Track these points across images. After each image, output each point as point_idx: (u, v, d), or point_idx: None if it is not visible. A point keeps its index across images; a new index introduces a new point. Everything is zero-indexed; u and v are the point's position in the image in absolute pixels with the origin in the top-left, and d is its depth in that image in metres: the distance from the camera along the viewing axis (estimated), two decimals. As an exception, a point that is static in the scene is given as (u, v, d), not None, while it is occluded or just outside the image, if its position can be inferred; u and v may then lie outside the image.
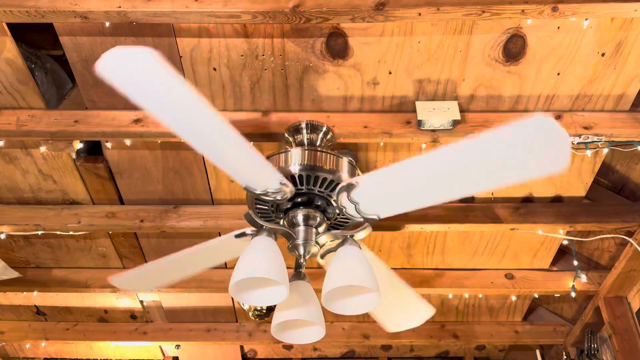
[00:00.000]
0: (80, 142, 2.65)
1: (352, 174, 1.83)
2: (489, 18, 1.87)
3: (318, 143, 2.16)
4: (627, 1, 1.80)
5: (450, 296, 3.71)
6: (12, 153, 2.66)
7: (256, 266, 1.55)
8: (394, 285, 2.04)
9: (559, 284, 3.28)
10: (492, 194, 2.83)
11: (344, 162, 1.82)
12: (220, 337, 4.04)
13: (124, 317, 4.08)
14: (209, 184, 2.80)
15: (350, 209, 1.72)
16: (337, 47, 2.16)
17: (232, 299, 3.81)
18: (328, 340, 4.06)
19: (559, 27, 2.07)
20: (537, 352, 3.99)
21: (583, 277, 3.24)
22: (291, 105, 2.36)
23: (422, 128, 2.23)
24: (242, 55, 2.20)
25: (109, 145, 2.58)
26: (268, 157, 1.78)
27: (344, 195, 1.68)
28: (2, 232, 2.89)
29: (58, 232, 2.92)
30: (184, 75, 2.28)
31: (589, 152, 2.45)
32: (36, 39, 2.59)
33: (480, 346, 4.62)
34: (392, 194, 1.64)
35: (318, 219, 1.77)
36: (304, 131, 2.17)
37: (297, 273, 1.76)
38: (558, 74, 2.22)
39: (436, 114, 2.21)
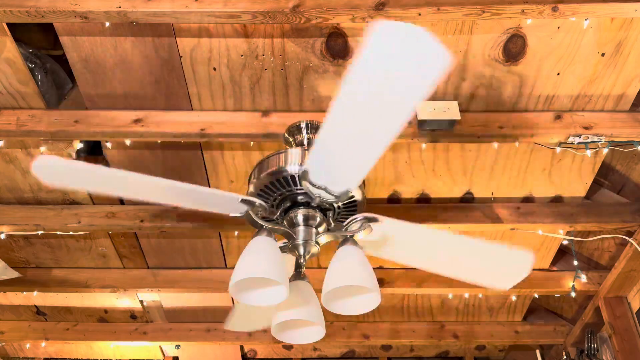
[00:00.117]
0: (80, 142, 2.65)
1: None
2: (489, 18, 1.87)
3: (318, 143, 2.16)
4: (627, 1, 1.80)
5: (450, 296, 3.71)
6: (12, 153, 2.66)
7: (256, 266, 1.54)
8: (480, 247, 1.94)
9: (559, 284, 3.28)
10: (492, 194, 2.83)
11: None
12: (220, 337, 4.04)
13: (124, 317, 4.08)
14: (208, 184, 2.80)
15: (324, 195, 1.66)
16: (337, 47, 2.16)
17: (232, 299, 3.81)
18: (328, 340, 4.06)
19: (559, 27, 2.07)
20: (537, 352, 3.99)
21: (583, 277, 3.24)
22: (291, 105, 2.36)
23: (422, 128, 2.23)
24: (242, 55, 2.20)
25: (109, 145, 2.58)
26: (268, 157, 1.79)
27: (306, 183, 1.65)
28: (2, 232, 2.89)
29: (58, 232, 2.92)
30: (184, 75, 2.28)
31: (589, 152, 2.45)
32: (36, 39, 2.59)
33: (480, 346, 4.62)
34: (340, 158, 1.54)
35: (318, 219, 1.77)
36: (304, 131, 2.17)
37: (297, 273, 1.76)
38: (558, 74, 2.22)
39: (436, 114, 2.20)
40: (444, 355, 4.71)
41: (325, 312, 1.66)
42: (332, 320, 3.97)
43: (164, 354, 4.62)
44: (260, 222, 1.71)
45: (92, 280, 3.40)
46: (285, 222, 1.80)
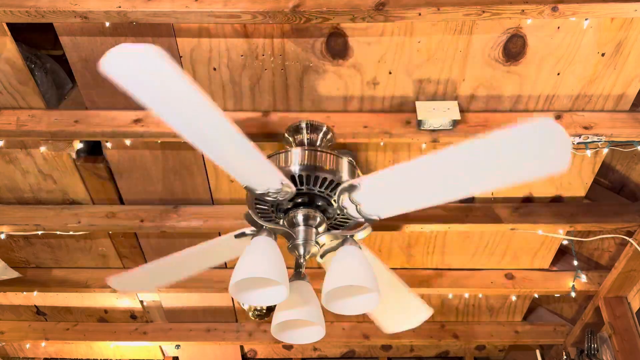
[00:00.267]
0: (80, 142, 2.65)
1: (352, 174, 1.83)
2: (489, 18, 1.87)
3: (318, 143, 2.16)
4: (627, 1, 1.80)
5: (450, 296, 3.71)
6: (12, 153, 2.66)
7: (256, 266, 1.55)
8: (393, 285, 2.04)
9: (559, 284, 3.28)
10: (492, 194, 2.83)
11: (344, 162, 1.82)
12: (220, 337, 4.04)
13: (124, 317, 4.08)
14: (209, 184, 2.80)
15: (351, 210, 1.73)
16: (337, 47, 2.16)
17: (232, 299, 3.81)
18: (328, 340, 4.06)
19: (559, 27, 2.07)
20: (537, 352, 3.99)
21: (583, 277, 3.24)
22: (291, 105, 2.36)
23: (422, 128, 2.23)
24: (242, 55, 2.20)
25: (109, 145, 2.58)
26: (268, 157, 1.78)
27: (345, 195, 1.69)
28: (2, 232, 2.89)
29: (58, 232, 2.92)
30: (184, 75, 2.28)
31: (589, 152, 2.45)
32: (36, 39, 2.59)
33: (480, 346, 4.62)
34: (393, 195, 1.65)
35: (318, 219, 1.77)
36: (304, 131, 2.17)
37: (297, 273, 1.76)
38: (558, 74, 2.22)
39: (436, 114, 2.20)
40: (444, 355, 4.71)
41: (325, 312, 1.66)
42: (332, 320, 3.97)
43: (164, 354, 4.62)
44: (260, 222, 1.72)
45: (92, 280, 3.40)
46: (285, 222, 1.80)
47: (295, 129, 2.18)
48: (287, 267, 1.61)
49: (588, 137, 2.26)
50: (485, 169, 1.42)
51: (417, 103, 2.26)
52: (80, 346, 4.60)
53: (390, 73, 2.23)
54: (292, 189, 1.68)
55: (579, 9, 1.82)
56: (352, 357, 4.73)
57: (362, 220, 1.74)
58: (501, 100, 2.31)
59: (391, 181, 1.59)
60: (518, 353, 4.66)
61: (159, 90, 1.28)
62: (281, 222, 1.83)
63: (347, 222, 1.88)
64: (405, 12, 1.85)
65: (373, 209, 1.70)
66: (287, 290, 1.55)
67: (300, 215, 1.76)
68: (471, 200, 2.86)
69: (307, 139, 2.15)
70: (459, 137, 2.27)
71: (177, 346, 4.43)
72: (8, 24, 2.09)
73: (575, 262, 3.21)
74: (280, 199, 1.70)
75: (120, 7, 1.87)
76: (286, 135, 2.19)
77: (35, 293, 3.63)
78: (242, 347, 4.60)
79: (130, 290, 2.06)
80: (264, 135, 2.32)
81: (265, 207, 1.82)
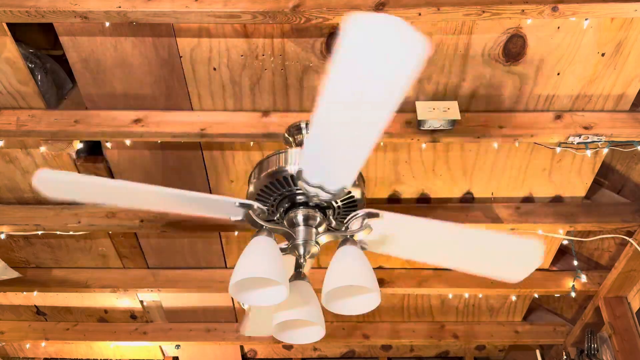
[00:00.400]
0: (80, 142, 2.65)
1: None
2: (489, 18, 1.87)
3: (318, 143, 2.16)
4: (627, 1, 1.80)
5: (450, 296, 3.71)
6: (12, 153, 2.66)
7: (256, 266, 1.54)
8: (487, 240, 1.93)
9: (559, 284, 3.28)
10: (492, 193, 2.83)
11: None
12: (220, 337, 4.04)
13: (124, 317, 4.08)
14: (209, 184, 2.80)
15: (312, 189, 1.67)
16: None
17: (232, 299, 3.81)
18: (328, 340, 4.06)
19: (559, 27, 2.07)
20: (537, 352, 3.98)
21: (583, 277, 3.23)
22: (291, 105, 2.36)
23: (422, 128, 2.23)
24: (242, 55, 2.20)
25: (109, 145, 2.58)
26: (268, 157, 1.78)
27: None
28: (2, 232, 2.89)
29: (58, 232, 2.92)
30: (184, 75, 2.28)
31: (589, 152, 2.45)
32: (36, 39, 2.59)
33: (480, 346, 4.62)
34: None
35: (318, 219, 1.77)
36: (304, 131, 2.16)
37: (297, 273, 1.76)
38: (558, 74, 2.22)
39: (436, 114, 2.20)
40: (444, 355, 4.71)
41: (325, 312, 1.66)
42: (332, 320, 3.97)
43: (164, 354, 4.62)
44: (260, 222, 1.71)
45: (92, 280, 3.40)
46: (285, 222, 1.80)
47: (295, 129, 2.18)
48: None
49: (588, 137, 2.26)
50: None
51: (417, 103, 2.26)
52: (80, 346, 4.60)
53: (390, 73, 2.23)
54: (255, 205, 1.70)
55: (579, 9, 1.82)
56: (352, 357, 4.73)
57: (333, 197, 1.71)
58: (501, 100, 2.31)
59: (319, 144, 1.50)
60: (518, 353, 4.66)
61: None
62: (281, 222, 1.83)
63: (348, 219, 1.88)
64: (405, 12, 1.85)
65: (330, 180, 1.65)
66: (287, 290, 1.55)
67: (300, 215, 1.76)
68: (471, 200, 2.86)
69: (307, 139, 2.15)
70: (459, 137, 2.28)
71: (177, 346, 4.43)
72: (8, 24, 2.09)
73: (575, 262, 3.21)
74: (258, 216, 1.72)
75: (120, 7, 1.87)
76: (286, 135, 2.19)
77: (35, 293, 3.63)
78: (242, 347, 4.60)
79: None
80: (264, 135, 2.32)
81: (266, 207, 1.82)
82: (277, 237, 1.74)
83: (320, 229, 1.77)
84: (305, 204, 1.78)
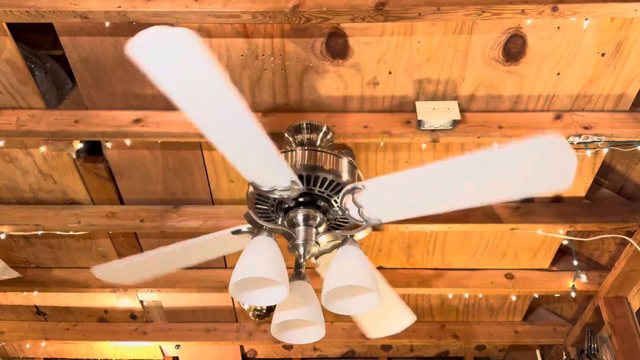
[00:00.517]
0: (80, 142, 2.65)
1: (352, 174, 1.83)
2: (489, 18, 1.87)
3: (318, 143, 2.16)
4: (627, 1, 1.80)
5: (450, 296, 3.71)
6: (12, 153, 2.66)
7: (256, 266, 1.54)
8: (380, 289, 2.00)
9: (559, 284, 3.28)
10: (492, 194, 2.83)
11: (344, 162, 1.82)
12: (220, 337, 4.04)
13: (124, 317, 4.08)
14: (209, 184, 2.80)
15: (353, 212, 1.73)
16: (337, 47, 2.16)
17: (232, 299, 3.81)
18: (328, 340, 4.07)
19: (559, 27, 2.07)
20: (537, 352, 3.98)
21: (583, 277, 3.24)
22: (291, 105, 2.36)
23: (422, 128, 2.23)
24: (242, 55, 2.20)
25: (109, 145, 2.58)
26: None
27: (348, 197, 1.69)
28: (2, 232, 2.89)
29: (58, 232, 2.92)
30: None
31: (589, 152, 2.45)
32: (36, 39, 2.59)
33: (480, 346, 4.62)
34: (396, 200, 1.66)
35: (318, 219, 1.77)
36: (304, 131, 2.17)
37: (297, 273, 1.76)
38: (558, 74, 2.22)
39: (436, 114, 2.21)
40: (444, 355, 4.71)
41: (325, 312, 1.66)
42: (332, 320, 3.97)
43: (164, 354, 4.62)
44: (260, 222, 1.71)
45: (92, 280, 3.40)
46: (285, 222, 1.80)
47: (295, 129, 2.18)
48: (287, 267, 1.61)
49: (588, 137, 2.26)
50: (491, 181, 1.43)
51: (417, 103, 2.26)
52: (80, 346, 4.60)
53: (390, 73, 2.23)
54: (300, 187, 1.68)
55: (579, 9, 1.82)
56: (352, 357, 4.73)
57: (364, 223, 1.74)
58: (501, 100, 2.31)
59: (395, 186, 1.59)
60: (518, 353, 4.66)
61: (184, 74, 1.27)
62: (280, 221, 1.83)
63: (346, 222, 1.88)
64: (405, 12, 1.85)
65: (375, 213, 1.70)
66: (287, 290, 1.55)
67: (300, 215, 1.76)
68: (471, 200, 2.86)
69: (307, 139, 2.15)
70: (459, 137, 2.28)
71: (177, 346, 4.43)
72: (8, 24, 2.09)
73: (575, 262, 3.21)
74: (285, 197, 1.70)
75: (120, 7, 1.87)
76: (286, 135, 2.19)
77: (35, 293, 3.63)
78: (242, 347, 4.60)
79: (113, 281, 2.05)
80: (264, 135, 2.32)
81: (265, 207, 1.82)
82: (277, 236, 1.74)
83: (320, 229, 1.78)
84: (305, 204, 1.78)
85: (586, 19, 2.02)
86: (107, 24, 2.08)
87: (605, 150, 2.47)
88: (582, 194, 2.79)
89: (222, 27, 2.12)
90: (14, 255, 3.36)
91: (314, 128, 2.17)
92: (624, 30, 2.06)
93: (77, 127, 2.30)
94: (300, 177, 1.75)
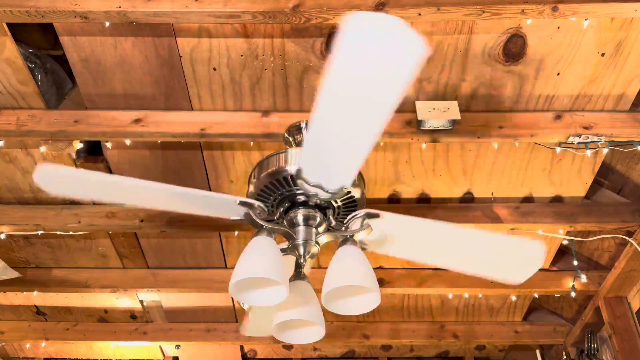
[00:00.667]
0: (80, 142, 2.65)
1: (361, 186, 1.83)
2: (489, 18, 1.87)
3: (318, 143, 2.16)
4: (627, 1, 1.80)
5: (450, 296, 3.71)
6: (12, 153, 2.66)
7: (256, 266, 1.54)
8: (488, 241, 1.92)
9: (559, 284, 3.28)
10: (492, 193, 2.83)
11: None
12: (220, 337, 4.04)
13: (124, 317, 4.08)
14: (209, 184, 2.80)
15: (311, 189, 1.67)
16: (337, 47, 2.16)
17: (232, 299, 3.81)
18: (328, 340, 4.06)
19: (559, 27, 2.07)
20: (537, 352, 3.99)
21: (583, 277, 3.24)
22: (291, 105, 2.36)
23: (422, 128, 2.23)
24: (242, 55, 2.20)
25: (109, 145, 2.58)
26: (268, 157, 1.78)
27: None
28: (2, 232, 2.89)
29: (58, 232, 2.92)
30: (184, 75, 2.28)
31: (589, 152, 2.45)
32: (36, 39, 2.59)
33: (480, 346, 4.62)
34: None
35: (318, 219, 1.77)
36: (304, 131, 2.16)
37: (297, 273, 1.76)
38: (558, 74, 2.22)
39: (436, 114, 2.20)
40: (444, 355, 4.71)
41: (325, 312, 1.66)
42: (332, 320, 3.97)
43: (164, 354, 4.62)
44: (260, 222, 1.71)
45: (92, 280, 3.40)
46: (285, 222, 1.80)
47: (295, 129, 2.18)
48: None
49: (588, 137, 2.26)
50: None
51: (417, 103, 2.26)
52: (80, 346, 4.60)
53: (390, 73, 2.23)
54: (256, 203, 1.71)
55: (579, 9, 1.82)
56: (352, 357, 4.73)
57: (332, 196, 1.71)
58: (501, 100, 2.31)
59: (318, 143, 1.49)
60: (518, 353, 4.66)
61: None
62: (281, 222, 1.83)
63: (348, 219, 1.87)
64: (405, 12, 1.85)
65: (329, 179, 1.64)
66: (287, 290, 1.55)
67: (300, 215, 1.76)
68: (471, 200, 2.86)
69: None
70: (459, 137, 2.28)
71: (177, 346, 4.44)
72: (8, 24, 2.09)
73: (575, 262, 3.21)
74: (257, 216, 1.73)
75: (120, 7, 1.87)
76: (286, 135, 2.19)
77: (35, 293, 3.64)
78: (242, 347, 4.60)
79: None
80: (264, 135, 2.32)
81: (265, 207, 1.82)
82: (277, 237, 1.74)
83: (320, 229, 1.77)
84: (305, 204, 1.78)
85: (586, 19, 2.03)
86: (107, 24, 2.08)
87: (605, 150, 2.47)
88: (582, 194, 2.80)
89: (222, 27, 2.12)
90: (14, 255, 3.36)
91: (313, 128, 2.16)
92: (624, 30, 2.06)
93: (77, 127, 2.30)
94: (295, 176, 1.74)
